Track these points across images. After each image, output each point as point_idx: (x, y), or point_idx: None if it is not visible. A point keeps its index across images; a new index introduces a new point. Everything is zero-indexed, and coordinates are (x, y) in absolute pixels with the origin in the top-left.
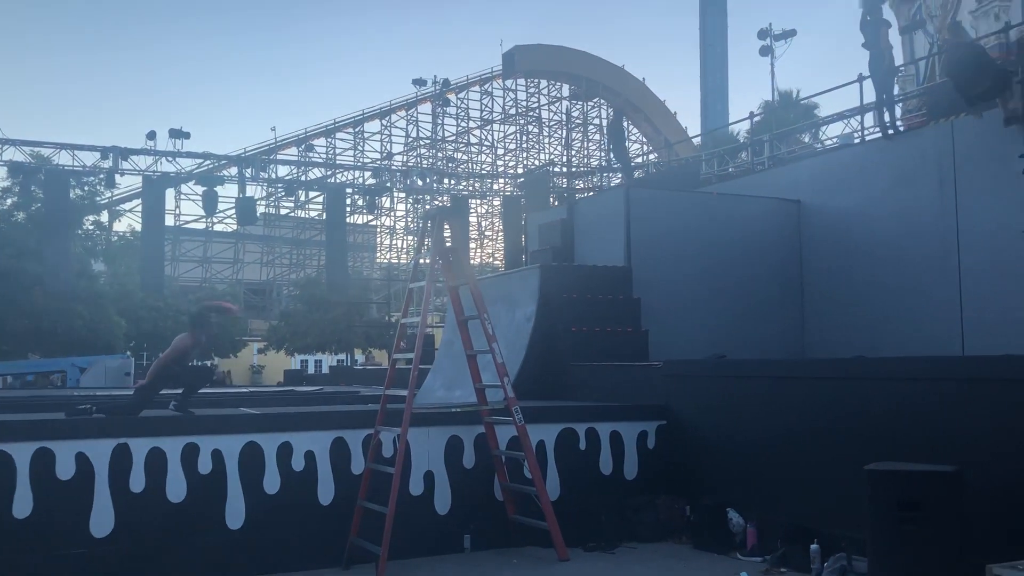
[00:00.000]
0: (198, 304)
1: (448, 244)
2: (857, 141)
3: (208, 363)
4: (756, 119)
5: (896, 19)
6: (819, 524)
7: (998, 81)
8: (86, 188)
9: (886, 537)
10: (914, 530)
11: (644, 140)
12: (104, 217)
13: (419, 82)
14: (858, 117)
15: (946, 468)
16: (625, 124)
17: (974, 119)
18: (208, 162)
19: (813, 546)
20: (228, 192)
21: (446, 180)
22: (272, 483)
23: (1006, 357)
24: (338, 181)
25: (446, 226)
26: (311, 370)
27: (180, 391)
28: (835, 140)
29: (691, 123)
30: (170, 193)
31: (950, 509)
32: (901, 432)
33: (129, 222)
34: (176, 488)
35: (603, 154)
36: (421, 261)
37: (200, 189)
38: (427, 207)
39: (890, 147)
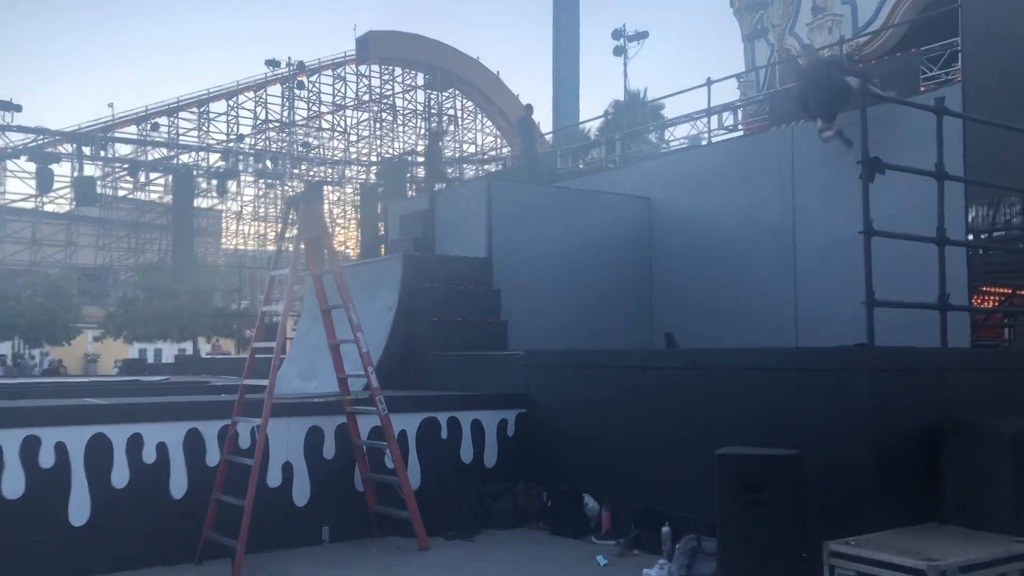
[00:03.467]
0: None
1: (313, 231)
2: (704, 143)
3: None
4: (608, 118)
5: (740, 27)
6: (670, 507)
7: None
8: None
9: (733, 518)
10: (759, 511)
11: (498, 133)
12: None
13: (272, 63)
14: (705, 119)
15: (787, 452)
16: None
17: (812, 126)
18: (41, 137)
19: (664, 528)
20: (60, 171)
21: (301, 165)
22: (121, 476)
23: (837, 348)
24: (182, 162)
25: (312, 211)
26: (151, 359)
27: None
28: (682, 140)
29: (543, 118)
30: None
31: (791, 490)
32: (747, 419)
33: None
34: (13, 483)
35: (456, 145)
36: (286, 248)
37: (32, 166)
38: (281, 192)
39: (735, 149)
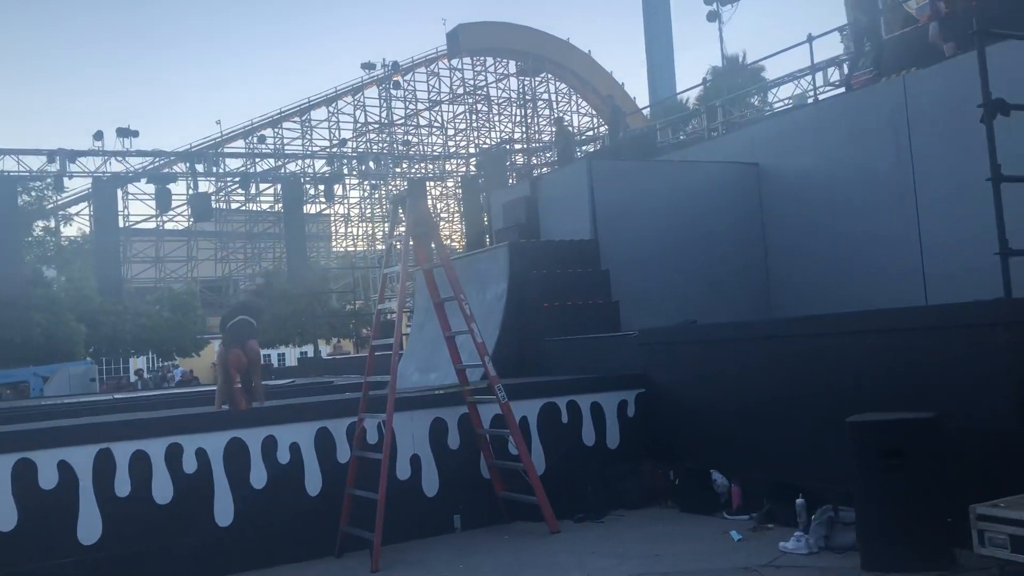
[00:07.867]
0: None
1: (420, 228)
2: (811, 101)
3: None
4: (707, 85)
5: None
6: (802, 479)
7: None
8: (33, 193)
9: (871, 486)
10: (898, 477)
11: (594, 113)
12: (52, 222)
13: (368, 66)
14: (809, 77)
15: (925, 415)
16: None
17: (925, 73)
18: (158, 159)
19: (799, 500)
20: (177, 189)
21: (403, 163)
22: (259, 477)
23: (971, 303)
24: (289, 171)
25: (418, 208)
26: (275, 364)
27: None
28: (786, 101)
29: (639, 93)
30: (118, 194)
31: (931, 454)
32: (878, 383)
33: (79, 226)
34: (162, 489)
35: (553, 129)
36: (395, 246)
37: (151, 188)
38: (385, 191)
39: (844, 105)
